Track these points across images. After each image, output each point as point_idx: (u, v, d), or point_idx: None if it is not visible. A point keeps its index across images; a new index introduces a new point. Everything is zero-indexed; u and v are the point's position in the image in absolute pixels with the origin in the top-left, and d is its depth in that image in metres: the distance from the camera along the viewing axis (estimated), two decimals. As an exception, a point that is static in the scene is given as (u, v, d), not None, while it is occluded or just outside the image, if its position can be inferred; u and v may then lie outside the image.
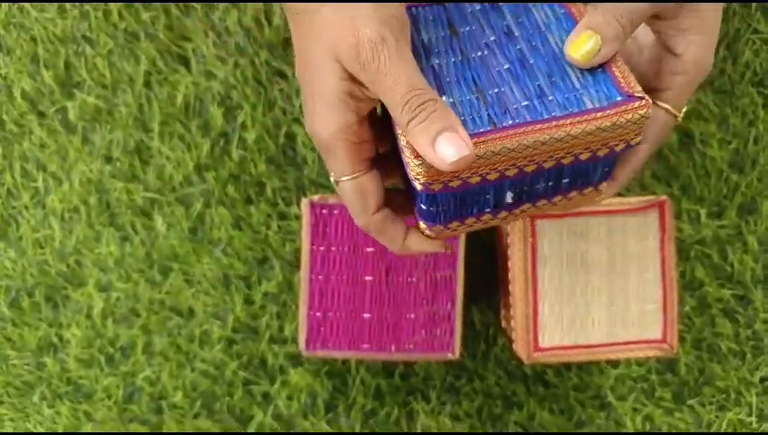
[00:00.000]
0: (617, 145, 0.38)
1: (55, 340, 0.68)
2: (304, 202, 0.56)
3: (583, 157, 0.38)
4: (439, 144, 0.33)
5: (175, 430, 0.66)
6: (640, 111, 0.36)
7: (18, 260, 0.68)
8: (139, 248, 0.67)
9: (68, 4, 0.68)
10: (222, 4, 0.67)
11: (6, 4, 0.69)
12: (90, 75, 0.67)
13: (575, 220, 0.57)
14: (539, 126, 0.35)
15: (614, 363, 0.62)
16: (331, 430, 0.64)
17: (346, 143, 0.37)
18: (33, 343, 0.68)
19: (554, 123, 0.35)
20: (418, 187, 0.36)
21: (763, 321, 0.62)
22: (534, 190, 0.40)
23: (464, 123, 0.36)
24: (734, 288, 0.63)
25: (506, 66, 0.38)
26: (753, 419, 0.62)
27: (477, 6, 0.41)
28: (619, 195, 0.62)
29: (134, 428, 0.66)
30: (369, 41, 0.34)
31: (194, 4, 0.67)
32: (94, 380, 0.67)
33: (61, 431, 0.67)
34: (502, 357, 0.65)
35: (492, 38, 0.40)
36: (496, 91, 0.37)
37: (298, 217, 0.65)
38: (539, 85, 0.37)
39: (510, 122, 0.36)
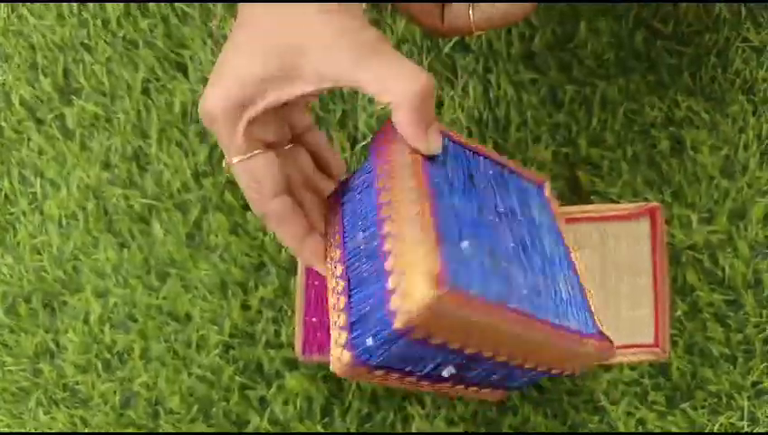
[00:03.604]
0: (555, 369, 0.38)
1: (52, 346, 0.68)
2: (301, 208, 0.56)
3: (526, 365, 0.38)
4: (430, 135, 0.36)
5: (171, 436, 0.66)
6: (605, 353, 0.37)
7: (15, 266, 0.68)
8: (136, 254, 0.67)
9: (66, 12, 0.68)
10: (219, 13, 0.67)
11: (5, 11, 0.69)
12: (88, 82, 0.68)
13: (567, 227, 0.58)
14: (536, 324, 0.34)
15: (607, 368, 0.63)
16: (327, 432, 0.65)
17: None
18: (29, 348, 0.68)
19: (547, 328, 0.35)
20: (397, 325, 0.32)
21: (754, 325, 0.63)
22: (467, 374, 0.38)
23: (473, 282, 0.33)
24: (726, 293, 0.63)
25: (512, 244, 0.37)
26: (745, 422, 0.63)
27: (491, 171, 0.41)
28: (612, 201, 0.63)
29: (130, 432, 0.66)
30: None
31: (191, 12, 0.68)
32: (91, 385, 0.67)
33: (57, 433, 0.67)
34: (496, 362, 0.65)
35: (501, 209, 0.39)
36: (505, 265, 0.35)
37: (294, 223, 0.66)
38: (536, 281, 0.37)
39: (514, 305, 0.34)
